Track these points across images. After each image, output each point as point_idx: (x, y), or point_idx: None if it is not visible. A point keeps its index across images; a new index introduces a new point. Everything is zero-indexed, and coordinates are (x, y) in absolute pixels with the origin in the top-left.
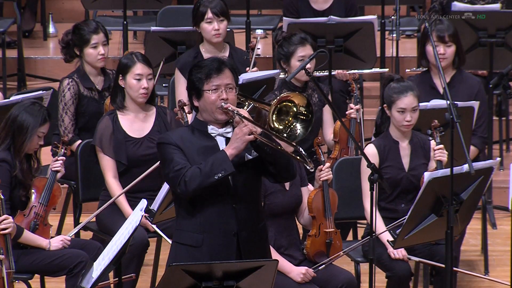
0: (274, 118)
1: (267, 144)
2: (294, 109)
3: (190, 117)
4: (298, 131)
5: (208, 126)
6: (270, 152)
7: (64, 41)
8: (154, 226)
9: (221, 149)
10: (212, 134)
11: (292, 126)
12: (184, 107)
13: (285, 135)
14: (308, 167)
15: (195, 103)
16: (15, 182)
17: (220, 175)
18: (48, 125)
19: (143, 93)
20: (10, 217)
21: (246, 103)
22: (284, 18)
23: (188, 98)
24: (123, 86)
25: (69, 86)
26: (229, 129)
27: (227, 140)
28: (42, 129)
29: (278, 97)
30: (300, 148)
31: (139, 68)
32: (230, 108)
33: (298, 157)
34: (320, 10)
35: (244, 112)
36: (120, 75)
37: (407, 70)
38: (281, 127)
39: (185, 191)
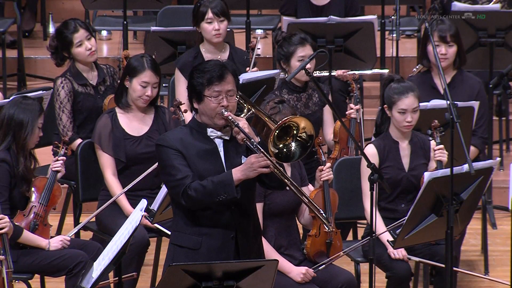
0: (276, 136)
1: (278, 177)
2: (295, 131)
3: (187, 116)
4: (293, 150)
5: (208, 129)
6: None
7: (53, 47)
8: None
9: (220, 152)
10: (211, 137)
11: (289, 146)
12: (180, 106)
13: (284, 152)
14: (326, 229)
15: (195, 105)
16: (17, 180)
17: (222, 198)
18: (43, 115)
19: (144, 99)
20: (6, 216)
21: (246, 106)
22: (284, 18)
23: (188, 100)
24: (127, 86)
25: (63, 84)
26: (227, 132)
27: (225, 142)
28: (40, 119)
29: (284, 118)
30: (321, 212)
31: (147, 75)
32: (230, 118)
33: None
34: (319, 6)
35: (243, 122)
36: (127, 75)
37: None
38: (280, 145)
39: (189, 204)
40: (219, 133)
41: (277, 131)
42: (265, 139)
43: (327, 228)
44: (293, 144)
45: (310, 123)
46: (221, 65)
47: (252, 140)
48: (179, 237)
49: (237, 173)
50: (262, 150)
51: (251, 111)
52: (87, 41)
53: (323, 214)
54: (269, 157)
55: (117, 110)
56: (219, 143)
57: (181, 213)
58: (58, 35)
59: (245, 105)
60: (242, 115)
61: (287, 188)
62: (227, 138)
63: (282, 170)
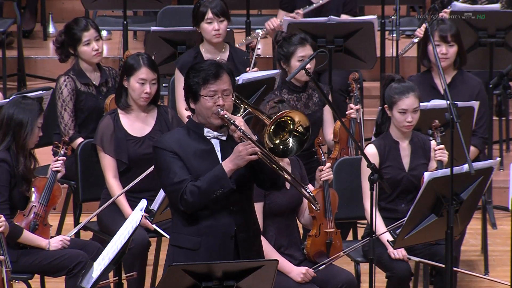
0: (271, 131)
1: (266, 164)
2: (291, 126)
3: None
4: (290, 145)
5: (204, 129)
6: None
7: (59, 42)
8: (154, 225)
9: (217, 152)
10: (208, 137)
11: (286, 141)
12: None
13: (280, 148)
14: (314, 208)
15: (191, 105)
16: (17, 179)
17: (219, 192)
18: (43, 115)
19: (144, 97)
20: (2, 216)
21: (242, 106)
22: (284, 18)
23: (185, 100)
24: (126, 86)
25: (66, 83)
26: (224, 132)
27: (222, 142)
28: (40, 119)
29: (279, 113)
30: (308, 190)
31: (143, 72)
32: (226, 116)
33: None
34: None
35: (240, 121)
36: (125, 75)
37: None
38: (277, 141)
39: (187, 208)
40: (215, 133)
41: (272, 126)
42: (263, 137)
43: (314, 207)
44: (290, 139)
45: (304, 116)
46: (217, 64)
47: (249, 137)
48: (178, 238)
49: (227, 164)
50: (252, 139)
51: (247, 110)
52: (95, 42)
53: (311, 194)
54: (257, 144)
55: (119, 111)
56: (215, 143)
57: (179, 214)
58: (67, 30)
59: (241, 105)
60: (238, 115)
61: (282, 179)
62: (223, 138)
63: (272, 157)
